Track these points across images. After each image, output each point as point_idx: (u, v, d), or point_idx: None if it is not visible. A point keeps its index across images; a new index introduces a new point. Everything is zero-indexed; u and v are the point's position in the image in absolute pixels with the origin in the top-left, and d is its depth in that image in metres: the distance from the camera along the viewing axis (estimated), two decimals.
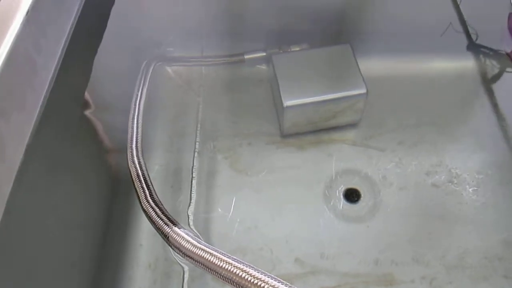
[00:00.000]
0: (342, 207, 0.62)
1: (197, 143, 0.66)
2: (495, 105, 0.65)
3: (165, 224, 0.40)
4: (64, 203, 0.46)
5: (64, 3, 0.45)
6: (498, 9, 0.60)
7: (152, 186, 0.45)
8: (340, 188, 0.63)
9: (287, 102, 0.60)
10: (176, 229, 0.39)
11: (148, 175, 0.46)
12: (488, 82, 0.66)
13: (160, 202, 0.43)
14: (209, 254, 0.36)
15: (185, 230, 0.40)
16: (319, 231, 0.60)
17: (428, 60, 0.69)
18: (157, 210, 0.41)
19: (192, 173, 0.64)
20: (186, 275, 0.57)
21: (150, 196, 0.43)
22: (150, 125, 0.66)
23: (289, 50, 0.66)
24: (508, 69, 0.64)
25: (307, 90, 0.61)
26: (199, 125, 0.67)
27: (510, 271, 0.57)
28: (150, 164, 0.64)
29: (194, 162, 0.64)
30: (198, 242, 0.38)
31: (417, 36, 0.66)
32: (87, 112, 0.53)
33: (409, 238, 0.60)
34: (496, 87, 0.67)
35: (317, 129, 0.66)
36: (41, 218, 0.42)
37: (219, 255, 0.36)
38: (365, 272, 0.57)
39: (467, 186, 0.63)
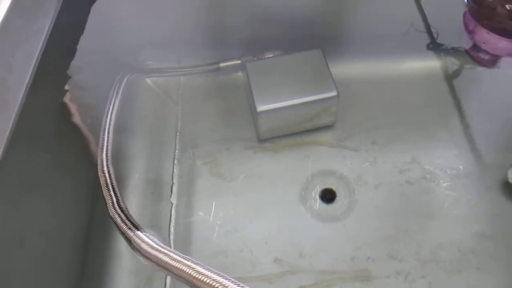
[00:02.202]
0: (318, 207, 0.63)
1: (176, 150, 0.68)
2: (458, 102, 0.67)
3: (129, 228, 0.42)
4: (42, 214, 0.48)
5: (35, 21, 0.47)
6: (456, 7, 0.62)
7: (119, 193, 0.47)
8: (316, 189, 0.65)
9: (261, 108, 0.62)
10: (138, 233, 0.41)
11: (115, 183, 0.47)
12: (450, 79, 0.68)
13: (126, 208, 0.45)
14: (164, 255, 0.38)
15: (147, 234, 0.42)
16: (297, 231, 0.62)
17: (397, 61, 0.71)
18: (122, 216, 0.43)
19: (172, 179, 0.66)
20: (168, 280, 0.59)
21: (117, 203, 0.45)
22: (130, 134, 0.68)
23: (263, 57, 0.68)
24: (467, 66, 0.66)
25: (279, 95, 0.63)
26: (178, 133, 0.69)
27: (483, 263, 0.59)
28: (131, 172, 0.66)
29: (174, 169, 0.66)
30: (157, 245, 0.40)
31: (385, 38, 0.68)
32: (65, 125, 0.55)
33: (384, 235, 0.61)
34: (458, 83, 0.68)
35: (293, 133, 0.68)
36: (18, 231, 0.44)
37: (174, 256, 0.38)
38: (341, 269, 0.59)
39: (440, 182, 0.65)
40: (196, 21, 0.70)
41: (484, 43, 0.48)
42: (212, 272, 0.36)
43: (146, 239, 0.40)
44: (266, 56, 0.68)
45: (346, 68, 0.72)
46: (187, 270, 0.36)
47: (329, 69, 0.64)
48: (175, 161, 0.67)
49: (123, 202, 0.45)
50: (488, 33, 0.47)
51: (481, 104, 0.68)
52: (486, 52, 0.48)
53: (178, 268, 0.36)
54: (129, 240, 0.41)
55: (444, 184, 0.64)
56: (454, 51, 0.67)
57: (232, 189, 0.65)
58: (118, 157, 0.65)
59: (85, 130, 0.58)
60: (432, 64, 0.71)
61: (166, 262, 0.38)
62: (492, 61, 0.50)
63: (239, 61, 0.68)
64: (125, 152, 0.67)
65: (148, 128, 0.70)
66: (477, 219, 0.62)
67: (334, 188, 0.65)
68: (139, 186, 0.65)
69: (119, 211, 0.43)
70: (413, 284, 0.58)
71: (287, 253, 0.60)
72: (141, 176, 0.66)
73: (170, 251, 0.38)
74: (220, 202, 0.64)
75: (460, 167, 0.66)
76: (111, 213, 0.43)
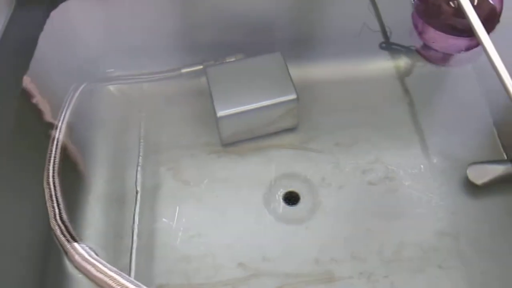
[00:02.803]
0: (282, 210, 0.63)
1: (140, 157, 0.67)
2: (413, 101, 0.68)
3: (67, 240, 0.42)
4: None
5: None
6: (408, 5, 0.62)
7: (62, 205, 0.47)
8: (280, 192, 0.65)
9: (220, 113, 0.62)
10: (75, 244, 0.41)
11: (60, 195, 0.47)
12: (403, 78, 0.69)
13: (67, 220, 0.45)
14: (91, 266, 0.38)
15: (84, 246, 0.41)
16: (261, 235, 0.62)
17: (355, 61, 0.72)
18: (63, 227, 0.43)
19: (136, 187, 0.65)
20: None
21: (59, 215, 0.45)
22: (92, 142, 0.67)
23: (224, 61, 0.68)
24: (419, 64, 0.66)
25: (239, 100, 0.63)
26: (142, 140, 0.69)
27: (445, 261, 0.60)
28: (95, 179, 0.65)
29: (138, 176, 0.66)
30: (89, 256, 0.40)
31: (343, 39, 0.69)
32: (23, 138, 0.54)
33: (348, 236, 0.62)
34: (411, 82, 0.69)
35: (257, 136, 0.68)
36: None
37: (101, 267, 0.38)
38: (305, 272, 0.59)
39: (403, 181, 0.65)
40: (159, 27, 0.70)
41: (433, 42, 0.48)
42: (132, 283, 0.36)
43: (80, 250, 0.40)
44: (227, 60, 0.68)
45: (307, 70, 0.72)
46: (108, 281, 0.36)
47: (289, 72, 0.65)
48: (139, 168, 0.67)
49: (66, 214, 0.45)
50: (435, 31, 0.47)
51: (436, 102, 0.69)
52: (437, 51, 0.49)
53: (100, 278, 0.37)
54: (65, 252, 0.41)
55: (406, 184, 0.65)
56: (406, 50, 0.67)
57: (196, 194, 0.65)
58: (81, 166, 0.65)
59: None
60: (388, 63, 0.71)
61: (91, 273, 0.38)
62: (443, 59, 0.50)
63: (201, 66, 0.68)
64: (88, 160, 0.66)
65: (111, 135, 0.69)
66: (438, 217, 0.63)
67: (297, 190, 0.65)
68: (102, 194, 0.65)
69: (60, 222, 0.43)
70: (376, 284, 0.58)
71: (251, 257, 0.60)
72: (105, 184, 0.66)
73: (100, 263, 0.39)
74: (183, 207, 0.64)
75: (422, 166, 0.66)
76: (52, 225, 0.43)
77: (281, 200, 0.64)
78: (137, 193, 0.65)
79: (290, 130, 0.69)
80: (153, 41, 0.70)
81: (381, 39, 0.67)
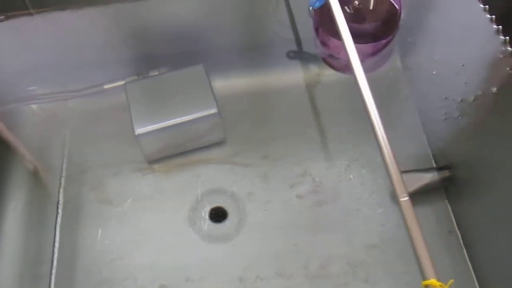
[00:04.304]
0: (207, 227, 0.62)
1: (62, 178, 0.65)
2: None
3: None
4: None
5: None
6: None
7: None
8: (205, 209, 0.63)
9: (139, 130, 0.60)
10: None
11: None
12: (312, 88, 0.68)
13: None
14: None
15: None
16: (184, 255, 0.60)
17: (276, 71, 0.70)
18: None
19: (57, 209, 0.63)
20: None
21: None
22: (13, 163, 0.65)
23: (148, 75, 0.66)
24: (328, 72, 0.64)
25: (159, 116, 0.61)
26: (65, 160, 0.67)
27: (371, 274, 0.58)
28: (15, 202, 0.63)
29: (60, 197, 0.64)
30: None
31: (266, 50, 0.67)
32: None
33: (274, 252, 0.60)
34: (318, 90, 0.68)
35: (184, 151, 0.66)
36: None
37: None
38: None
39: (331, 194, 0.64)
40: (82, 42, 0.67)
41: (338, 52, 0.46)
42: None
43: None
44: (151, 74, 0.66)
45: (232, 82, 0.70)
46: None
47: (211, 85, 0.63)
48: (61, 189, 0.64)
49: None
50: (336, 40, 0.45)
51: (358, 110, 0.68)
52: (342, 59, 0.47)
53: None
54: None
55: (334, 196, 0.63)
56: (314, 58, 0.66)
57: (119, 214, 0.63)
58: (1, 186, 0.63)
59: None
60: (303, 73, 0.69)
61: None
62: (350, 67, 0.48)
63: (123, 82, 0.66)
64: (8, 181, 0.64)
65: (33, 155, 0.67)
66: (366, 229, 0.61)
67: (224, 206, 0.63)
68: (22, 216, 0.62)
69: None
70: None
71: (174, 279, 0.58)
72: (25, 206, 0.63)
73: None
74: (106, 229, 0.62)
75: (351, 176, 0.65)
76: None
77: (207, 217, 0.62)
78: (57, 215, 0.63)
79: (218, 144, 0.67)
80: (77, 57, 0.68)
81: (297, 49, 0.65)
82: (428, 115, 0.67)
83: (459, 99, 0.57)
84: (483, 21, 0.46)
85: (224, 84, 0.70)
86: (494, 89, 0.46)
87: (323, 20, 0.45)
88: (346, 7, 0.44)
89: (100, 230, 0.62)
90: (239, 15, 0.65)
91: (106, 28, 0.67)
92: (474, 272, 0.58)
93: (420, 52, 0.67)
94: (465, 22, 0.51)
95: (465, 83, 0.53)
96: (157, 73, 0.67)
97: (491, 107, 0.49)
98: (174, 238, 0.61)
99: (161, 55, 0.68)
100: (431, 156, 0.66)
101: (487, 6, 0.46)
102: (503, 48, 0.45)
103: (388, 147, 0.34)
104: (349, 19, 0.44)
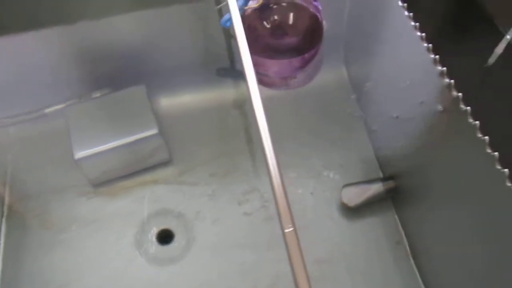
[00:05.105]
0: (154, 250, 0.61)
1: (5, 206, 0.64)
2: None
3: None
4: None
5: None
6: None
7: None
8: (152, 231, 0.62)
9: (78, 154, 0.59)
10: None
11: None
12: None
13: None
14: None
15: None
16: (131, 279, 0.59)
17: (224, 88, 0.70)
18: None
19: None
20: None
21: None
22: None
23: (90, 97, 0.65)
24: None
25: (99, 139, 0.60)
26: (7, 187, 0.65)
27: None
28: None
29: (2, 228, 0.62)
30: None
31: (210, 67, 0.66)
32: None
33: (222, 273, 0.59)
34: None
35: (129, 173, 0.65)
36: None
37: None
38: None
39: None
40: (22, 66, 0.66)
41: (266, 70, 0.46)
42: None
43: None
44: (93, 96, 0.65)
45: (178, 101, 0.69)
46: None
47: (151, 105, 0.62)
48: (3, 219, 0.63)
49: None
50: (263, 59, 0.45)
51: (313, 123, 0.68)
52: (269, 75, 0.47)
53: None
54: None
55: None
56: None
57: (64, 241, 0.61)
58: None
59: None
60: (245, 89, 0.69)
61: None
62: (282, 83, 0.48)
63: (63, 105, 0.65)
64: None
65: None
66: (316, 244, 0.61)
67: (171, 227, 0.62)
68: None
69: None
70: None
71: None
72: None
73: None
74: (51, 256, 0.60)
75: (299, 191, 0.64)
76: None
77: (154, 240, 0.61)
78: None
79: (164, 164, 0.66)
80: (18, 82, 0.66)
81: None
82: (373, 126, 0.67)
83: (401, 114, 0.57)
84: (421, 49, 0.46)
85: (170, 103, 0.70)
86: (440, 108, 0.46)
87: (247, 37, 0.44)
88: (265, 23, 0.43)
89: (44, 258, 0.60)
90: (183, 34, 0.64)
91: (47, 51, 0.65)
92: (423, 282, 0.58)
93: (366, 65, 0.67)
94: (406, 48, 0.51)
95: (409, 99, 0.53)
96: (98, 94, 0.65)
97: (432, 124, 0.49)
98: (121, 263, 0.60)
99: (104, 76, 0.66)
100: (379, 167, 0.66)
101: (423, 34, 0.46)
102: (436, 68, 0.44)
103: (278, 174, 0.33)
104: (270, 35, 0.43)
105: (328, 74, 0.72)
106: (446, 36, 0.65)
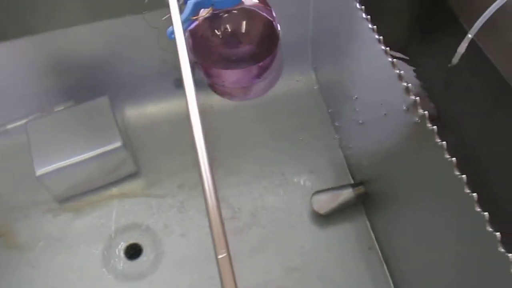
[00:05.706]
0: (122, 266, 0.59)
1: None
2: (226, 134, 0.65)
3: None
4: None
5: None
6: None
7: None
8: (120, 246, 0.60)
9: (39, 171, 0.57)
10: None
11: None
12: (219, 113, 0.67)
13: None
14: None
15: None
16: None
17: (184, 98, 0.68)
18: None
19: None
20: None
21: None
22: None
23: (53, 110, 0.64)
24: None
25: (61, 154, 0.58)
26: None
27: None
28: None
29: None
30: None
31: (167, 78, 0.65)
32: None
33: (191, 286, 0.58)
34: (225, 115, 0.67)
35: (96, 187, 0.64)
36: None
37: None
38: None
39: (248, 220, 0.62)
40: None
41: (223, 81, 0.45)
42: None
43: None
44: (56, 110, 0.64)
45: (144, 111, 0.68)
46: None
47: (115, 117, 0.61)
48: None
49: None
50: (219, 70, 0.44)
51: (268, 132, 0.67)
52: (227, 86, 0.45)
53: None
54: None
55: (252, 222, 0.62)
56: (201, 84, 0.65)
57: (30, 260, 0.60)
58: None
59: None
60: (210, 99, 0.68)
61: None
62: (241, 92, 0.46)
63: (25, 120, 0.63)
64: None
65: None
66: (288, 253, 0.60)
67: (139, 242, 0.61)
68: None
69: None
70: None
71: None
72: None
73: None
74: (16, 277, 0.59)
75: (269, 199, 0.63)
76: None
77: (122, 255, 0.60)
78: None
79: (132, 176, 0.65)
80: None
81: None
82: (342, 132, 0.66)
83: (366, 120, 0.56)
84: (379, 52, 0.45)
85: (135, 113, 0.68)
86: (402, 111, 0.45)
87: (198, 51, 0.43)
88: (217, 32, 0.42)
89: (10, 279, 0.59)
90: (141, 44, 0.63)
91: (7, 65, 0.63)
92: (395, 287, 0.57)
93: (333, 70, 0.66)
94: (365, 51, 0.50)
95: (381, 104, 0.51)
96: (62, 108, 0.64)
97: (395, 128, 0.48)
98: (88, 281, 0.58)
99: (67, 89, 0.65)
100: (349, 172, 0.65)
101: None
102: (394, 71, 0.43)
103: (213, 196, 0.31)
104: (223, 45, 0.42)
105: (297, 79, 0.71)
106: (413, 37, 0.65)
